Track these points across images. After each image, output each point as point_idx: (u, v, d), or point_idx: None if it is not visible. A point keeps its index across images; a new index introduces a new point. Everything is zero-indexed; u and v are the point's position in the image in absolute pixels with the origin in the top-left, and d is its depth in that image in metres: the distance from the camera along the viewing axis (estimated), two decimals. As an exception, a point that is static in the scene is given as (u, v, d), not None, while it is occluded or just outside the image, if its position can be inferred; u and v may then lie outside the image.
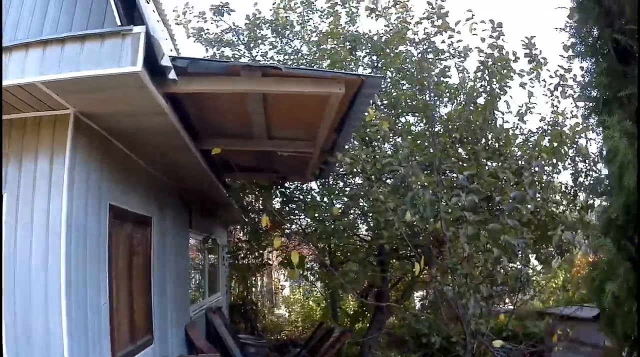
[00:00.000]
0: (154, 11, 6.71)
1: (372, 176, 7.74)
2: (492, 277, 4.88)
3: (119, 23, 4.19)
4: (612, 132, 4.24)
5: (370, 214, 9.28)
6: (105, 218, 5.41)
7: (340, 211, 9.13)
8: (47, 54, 3.83)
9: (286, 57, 10.65)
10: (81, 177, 4.78)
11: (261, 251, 12.14)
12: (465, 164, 6.59)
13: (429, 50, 8.49)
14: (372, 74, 7.38)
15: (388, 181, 7.71)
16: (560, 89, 6.99)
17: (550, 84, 7.28)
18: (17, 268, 4.39)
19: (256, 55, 10.72)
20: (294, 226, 11.20)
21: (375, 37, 9.59)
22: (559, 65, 6.99)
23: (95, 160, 5.16)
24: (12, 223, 4.45)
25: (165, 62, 4.05)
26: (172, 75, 4.29)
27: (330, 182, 10.32)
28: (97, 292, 5.10)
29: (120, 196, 5.89)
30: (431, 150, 6.38)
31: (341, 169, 8.89)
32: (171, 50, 9.59)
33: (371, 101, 5.55)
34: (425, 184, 5.28)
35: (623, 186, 4.20)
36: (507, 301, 7.13)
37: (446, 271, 5.53)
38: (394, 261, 9.13)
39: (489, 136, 6.51)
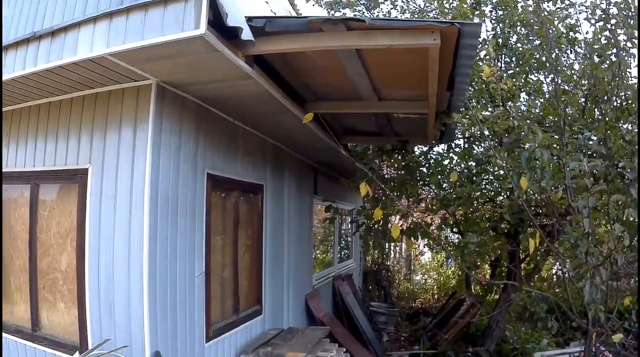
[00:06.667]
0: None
1: (496, 139, 7.06)
2: (612, 258, 4.11)
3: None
4: None
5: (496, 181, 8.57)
6: (202, 188, 5.37)
7: (465, 176, 8.52)
8: (113, 26, 3.74)
9: (409, 15, 10.02)
10: (169, 147, 4.73)
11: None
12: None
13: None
14: (467, 22, 6.55)
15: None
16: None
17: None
18: (101, 240, 4.48)
19: (377, 15, 10.21)
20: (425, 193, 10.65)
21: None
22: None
23: (188, 129, 5.09)
24: (97, 196, 4.53)
25: (232, 22, 3.80)
26: (246, 36, 4.03)
27: (463, 145, 9.64)
28: (192, 265, 5.08)
29: (221, 164, 5.82)
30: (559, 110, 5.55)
31: (459, 132, 8.20)
32: (288, 11, 9.42)
33: (475, 53, 4.86)
34: (544, 142, 4.55)
35: None
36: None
37: (568, 247, 4.84)
38: (523, 231, 8.31)
39: (621, 94, 5.51)
